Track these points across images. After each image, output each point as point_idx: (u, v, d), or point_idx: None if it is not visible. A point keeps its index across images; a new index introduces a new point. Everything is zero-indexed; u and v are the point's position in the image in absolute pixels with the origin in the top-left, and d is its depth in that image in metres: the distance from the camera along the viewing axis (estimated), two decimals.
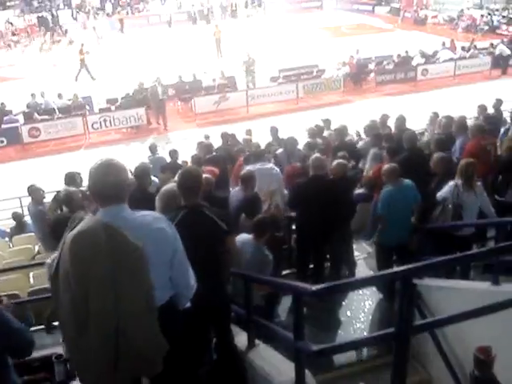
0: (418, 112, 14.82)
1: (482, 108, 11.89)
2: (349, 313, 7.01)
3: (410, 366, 5.54)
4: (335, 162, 7.56)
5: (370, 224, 8.13)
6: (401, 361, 3.03)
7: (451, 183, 6.57)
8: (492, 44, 27.32)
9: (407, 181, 6.83)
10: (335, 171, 7.40)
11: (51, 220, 7.17)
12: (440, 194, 6.66)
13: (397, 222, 6.76)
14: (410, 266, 2.98)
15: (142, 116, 20.45)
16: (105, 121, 20.22)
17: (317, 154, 7.53)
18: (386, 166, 6.94)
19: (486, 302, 3.35)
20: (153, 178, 8.30)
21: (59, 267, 2.79)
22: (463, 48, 27.50)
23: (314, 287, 3.18)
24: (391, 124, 11.14)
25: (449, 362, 5.61)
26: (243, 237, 5.84)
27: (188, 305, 3.27)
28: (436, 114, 12.21)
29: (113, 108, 21.05)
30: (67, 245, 2.73)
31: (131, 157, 13.99)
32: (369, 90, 24.75)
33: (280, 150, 9.74)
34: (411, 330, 3.02)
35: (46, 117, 20.24)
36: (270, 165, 8.15)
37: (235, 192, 7.35)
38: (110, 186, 2.84)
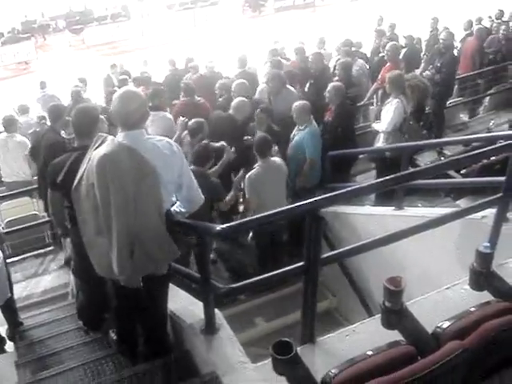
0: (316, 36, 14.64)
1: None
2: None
3: (319, 293, 5.62)
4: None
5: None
6: (311, 292, 3.02)
7: (394, 103, 6.35)
8: None
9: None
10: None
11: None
12: (392, 119, 6.34)
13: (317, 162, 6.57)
14: (317, 198, 2.91)
15: (31, 50, 19.25)
16: None
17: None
18: (296, 106, 6.42)
19: (391, 227, 3.36)
20: None
21: (82, 180, 3.27)
22: None
23: (219, 227, 3.05)
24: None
25: (358, 289, 5.75)
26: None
27: None
28: (322, 39, 12.10)
29: None
30: (93, 164, 3.17)
31: (21, 94, 13.25)
32: (267, 16, 24.38)
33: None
34: (319, 263, 2.97)
35: None
36: None
37: None
38: (131, 113, 3.17)
